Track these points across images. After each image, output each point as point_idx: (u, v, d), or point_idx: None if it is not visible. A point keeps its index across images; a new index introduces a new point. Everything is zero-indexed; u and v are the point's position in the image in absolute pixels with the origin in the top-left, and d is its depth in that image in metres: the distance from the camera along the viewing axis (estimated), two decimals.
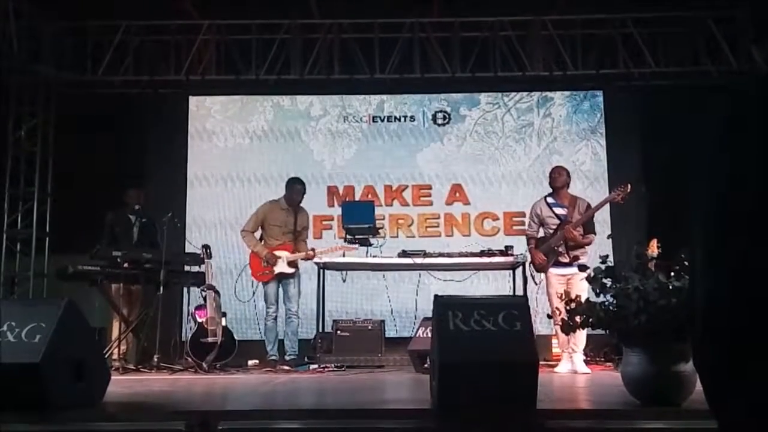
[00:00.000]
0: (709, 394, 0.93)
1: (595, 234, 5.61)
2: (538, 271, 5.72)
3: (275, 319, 6.17)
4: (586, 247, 5.58)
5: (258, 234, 6.34)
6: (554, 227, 5.62)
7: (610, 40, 7.40)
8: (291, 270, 6.17)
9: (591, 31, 7.43)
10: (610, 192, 7.33)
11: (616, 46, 7.38)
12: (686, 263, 2.88)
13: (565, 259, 5.52)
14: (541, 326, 5.86)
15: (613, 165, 7.76)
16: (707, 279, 0.91)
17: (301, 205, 6.43)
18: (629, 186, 5.53)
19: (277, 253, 6.15)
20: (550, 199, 5.74)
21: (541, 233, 5.75)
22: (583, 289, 4.60)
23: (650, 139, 7.46)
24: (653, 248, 4.68)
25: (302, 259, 6.23)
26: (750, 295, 0.84)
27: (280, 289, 6.22)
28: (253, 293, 6.53)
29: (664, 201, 5.36)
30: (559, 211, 5.64)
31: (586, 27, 7.42)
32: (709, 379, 0.93)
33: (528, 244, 5.83)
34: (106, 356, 5.48)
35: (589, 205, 5.68)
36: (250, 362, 6.31)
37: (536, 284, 5.77)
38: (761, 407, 0.84)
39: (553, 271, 5.56)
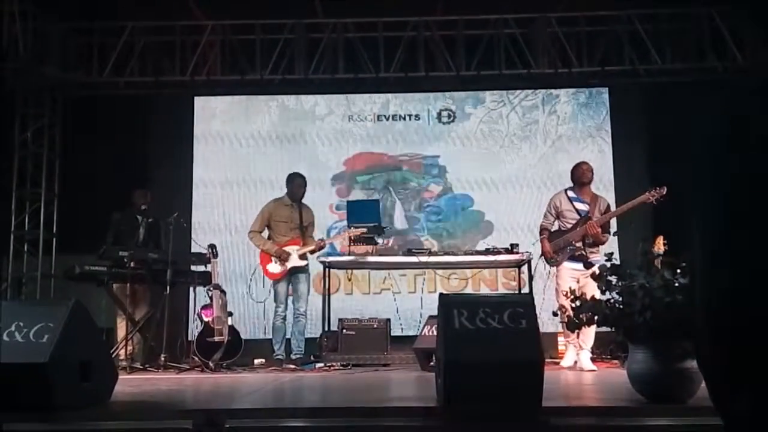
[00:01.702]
0: (713, 392, 0.93)
1: (610, 234, 5.55)
2: (548, 263, 5.68)
3: (284, 318, 6.18)
4: (600, 246, 5.52)
5: (265, 234, 6.35)
6: (573, 221, 5.56)
7: (616, 37, 7.38)
8: (303, 262, 6.19)
9: (596, 28, 7.41)
10: (616, 191, 7.38)
11: (621, 43, 7.37)
12: (689, 262, 2.86)
13: (580, 254, 5.47)
14: (548, 323, 5.86)
15: (619, 162, 7.75)
16: (710, 278, 0.91)
17: (305, 202, 6.45)
18: (665, 189, 5.34)
19: (287, 248, 6.17)
20: (571, 193, 5.66)
21: (556, 226, 5.69)
22: (594, 287, 4.58)
23: (656, 136, 7.44)
24: (659, 245, 4.68)
25: (313, 250, 6.24)
26: (753, 293, 0.84)
27: (290, 288, 6.23)
28: (269, 293, 6.48)
29: (670, 198, 5.33)
30: (580, 206, 5.58)
31: (591, 24, 7.41)
32: (712, 377, 0.93)
33: (540, 235, 5.73)
34: (114, 356, 5.51)
35: (609, 205, 5.64)
36: (257, 361, 6.33)
37: (539, 282, 5.76)
38: (765, 404, 0.84)
39: (566, 265, 5.50)
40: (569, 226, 5.57)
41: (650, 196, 5.37)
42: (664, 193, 5.33)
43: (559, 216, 5.64)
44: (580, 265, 5.44)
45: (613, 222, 6.74)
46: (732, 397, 0.89)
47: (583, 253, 5.45)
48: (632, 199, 5.56)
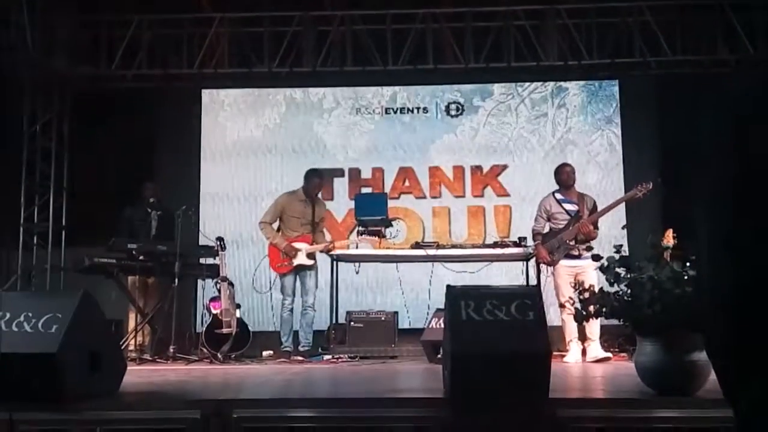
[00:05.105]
0: (724, 383, 0.92)
1: (598, 229, 5.78)
2: (546, 265, 5.82)
3: (291, 310, 6.18)
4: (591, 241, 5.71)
5: (276, 225, 6.34)
6: (563, 222, 5.75)
7: (626, 28, 7.31)
8: (310, 262, 6.18)
9: (606, 19, 7.34)
10: (626, 184, 7.33)
11: (631, 34, 7.29)
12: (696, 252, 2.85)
13: (575, 252, 5.64)
14: (555, 316, 5.85)
15: (629, 155, 7.70)
16: (719, 267, 0.90)
17: (319, 196, 6.45)
18: (651, 184, 5.63)
19: (297, 245, 6.15)
20: (558, 195, 5.86)
21: (547, 228, 5.86)
22: (593, 281, 4.65)
23: (666, 128, 7.38)
24: (668, 238, 4.65)
25: (321, 251, 6.25)
26: (763, 283, 0.83)
27: (298, 281, 6.22)
28: (270, 286, 6.51)
29: (680, 191, 5.33)
30: (568, 207, 5.79)
31: (600, 15, 7.33)
32: (723, 368, 0.92)
33: (534, 240, 5.93)
34: (123, 347, 5.54)
35: (594, 202, 5.84)
36: (265, 353, 6.35)
37: (545, 275, 5.85)
38: None
39: (563, 263, 5.67)
40: (561, 226, 5.76)
41: (637, 191, 5.66)
42: (651, 187, 5.61)
43: (549, 218, 5.85)
44: (574, 262, 5.63)
45: (623, 215, 6.71)
46: (743, 387, 0.88)
47: (578, 249, 5.63)
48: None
